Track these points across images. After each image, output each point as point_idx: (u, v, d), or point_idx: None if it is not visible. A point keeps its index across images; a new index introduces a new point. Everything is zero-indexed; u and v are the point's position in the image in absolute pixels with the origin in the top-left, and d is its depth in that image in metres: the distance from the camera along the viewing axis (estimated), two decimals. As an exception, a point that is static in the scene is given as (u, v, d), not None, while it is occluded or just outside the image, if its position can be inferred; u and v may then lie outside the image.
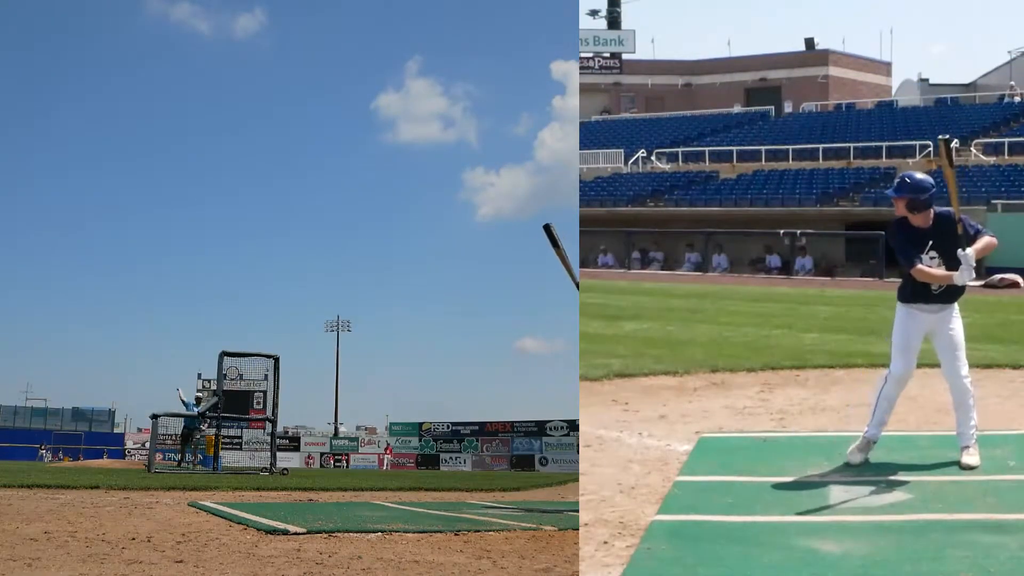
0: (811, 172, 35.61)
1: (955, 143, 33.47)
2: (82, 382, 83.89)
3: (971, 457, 6.07)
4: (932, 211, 6.08)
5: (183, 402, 21.16)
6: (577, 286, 7.68)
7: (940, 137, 6.56)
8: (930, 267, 6.05)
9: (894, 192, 6.11)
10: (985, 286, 23.79)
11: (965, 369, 6.15)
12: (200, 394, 22.74)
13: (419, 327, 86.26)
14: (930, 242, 6.06)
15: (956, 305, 6.20)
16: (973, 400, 6.20)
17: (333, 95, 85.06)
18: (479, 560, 4.83)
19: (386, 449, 45.49)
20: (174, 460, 23.35)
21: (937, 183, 6.25)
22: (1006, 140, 34.04)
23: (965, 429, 6.16)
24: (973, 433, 6.16)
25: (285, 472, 19.61)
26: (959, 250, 5.98)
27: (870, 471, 6.05)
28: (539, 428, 42.38)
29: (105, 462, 29.16)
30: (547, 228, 7.47)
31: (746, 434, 7.27)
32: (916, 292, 6.15)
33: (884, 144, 35.40)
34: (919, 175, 6.15)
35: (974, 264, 5.97)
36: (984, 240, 6.05)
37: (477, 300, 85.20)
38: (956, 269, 6.00)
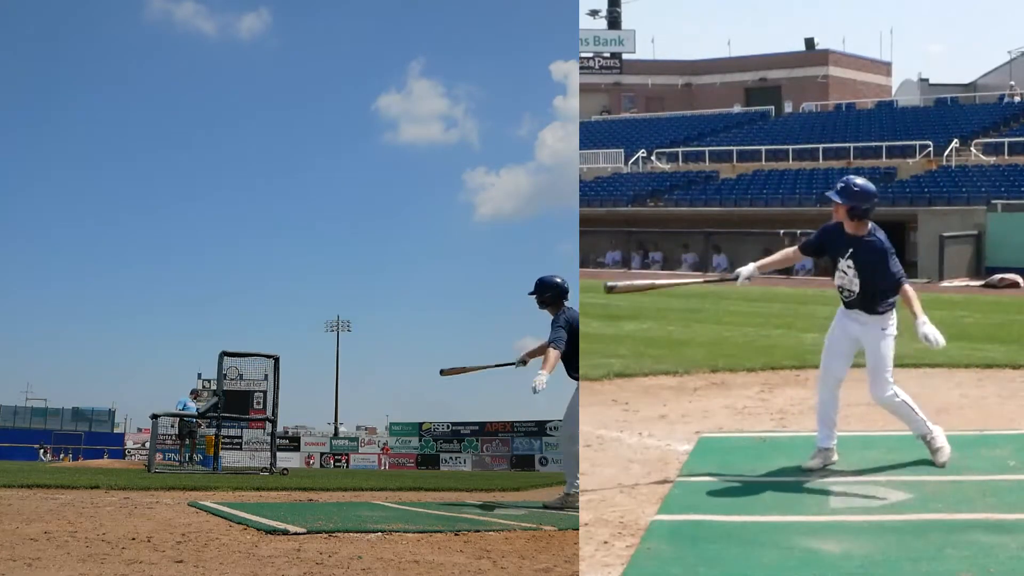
0: (811, 172, 35.60)
1: (955, 143, 33.67)
2: (82, 382, 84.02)
3: (940, 452, 6.01)
4: (870, 224, 5.96)
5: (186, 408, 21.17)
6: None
7: None
8: (844, 273, 5.97)
9: (836, 196, 5.94)
10: (985, 286, 23.79)
11: (887, 390, 6.01)
12: (201, 391, 22.76)
13: (419, 327, 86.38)
14: (851, 250, 5.95)
15: (888, 316, 6.00)
16: (909, 404, 6.07)
17: (334, 96, 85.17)
18: (479, 560, 4.83)
19: (383, 449, 45.45)
20: (175, 460, 23.36)
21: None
22: (1006, 140, 34.02)
23: (916, 427, 6.09)
24: (924, 425, 6.06)
25: (285, 472, 19.60)
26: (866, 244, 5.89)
27: (870, 471, 6.05)
28: (539, 428, 42.38)
29: (105, 462, 29.16)
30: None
31: (746, 434, 7.27)
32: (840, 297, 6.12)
33: (884, 144, 35.39)
34: (861, 181, 5.99)
35: (747, 272, 6.20)
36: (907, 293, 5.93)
37: (477, 300, 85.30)
38: (871, 286, 5.91)
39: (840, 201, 5.94)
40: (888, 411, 6.19)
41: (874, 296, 5.97)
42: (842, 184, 5.99)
